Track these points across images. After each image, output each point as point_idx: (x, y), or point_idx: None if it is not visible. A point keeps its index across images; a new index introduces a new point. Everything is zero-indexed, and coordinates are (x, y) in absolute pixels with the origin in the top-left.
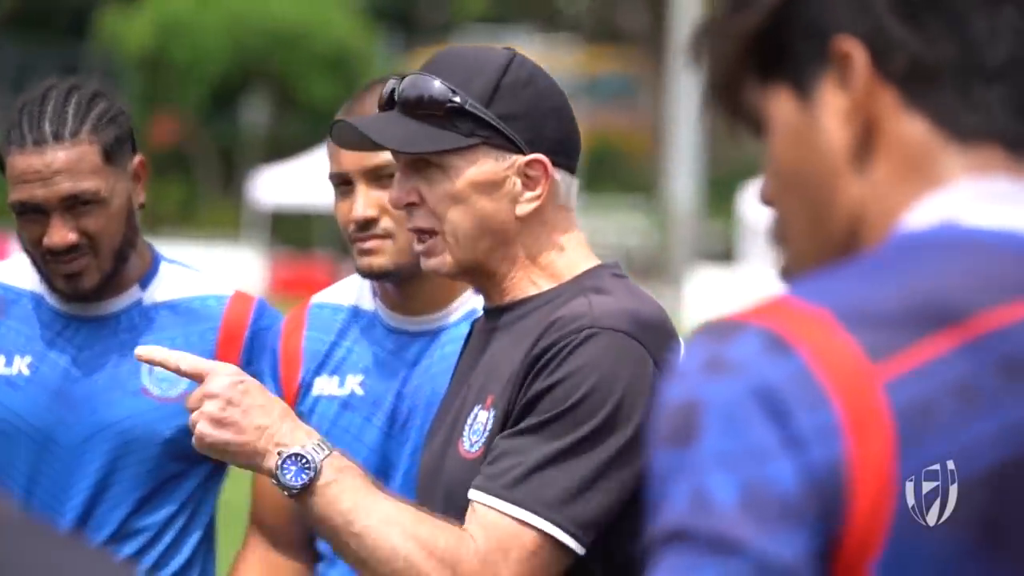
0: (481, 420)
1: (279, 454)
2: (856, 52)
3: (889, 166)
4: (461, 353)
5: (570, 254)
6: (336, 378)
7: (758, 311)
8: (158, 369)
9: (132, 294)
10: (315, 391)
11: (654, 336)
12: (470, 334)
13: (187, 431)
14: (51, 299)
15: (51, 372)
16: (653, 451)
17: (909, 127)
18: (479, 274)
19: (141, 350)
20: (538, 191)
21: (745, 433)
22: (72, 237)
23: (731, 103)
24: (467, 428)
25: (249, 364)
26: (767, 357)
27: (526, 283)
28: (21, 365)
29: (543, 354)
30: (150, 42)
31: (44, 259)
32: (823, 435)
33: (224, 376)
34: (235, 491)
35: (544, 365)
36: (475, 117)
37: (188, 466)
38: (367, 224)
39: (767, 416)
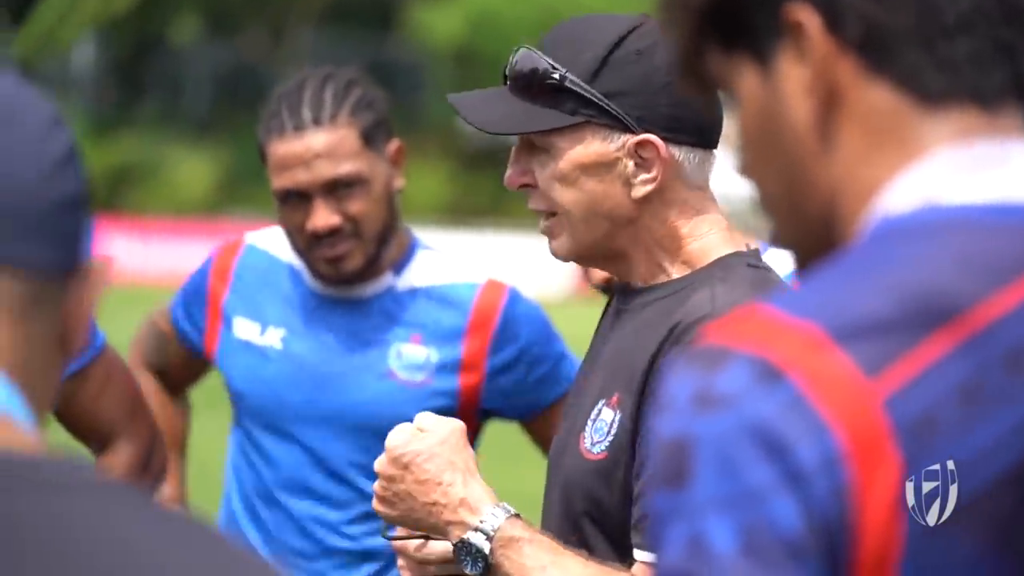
0: (605, 419)
1: (454, 545)
2: (809, 20)
3: (856, 138)
4: (597, 328)
5: (705, 238)
6: None
7: (745, 333)
8: (405, 353)
9: (386, 279)
10: None
11: None
12: (605, 310)
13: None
14: (308, 279)
15: (302, 349)
16: (647, 488)
17: (873, 95)
18: (606, 257)
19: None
20: (653, 172)
21: (741, 473)
22: (336, 220)
23: (698, 74)
24: (590, 423)
25: (498, 352)
26: (758, 388)
27: (656, 269)
28: (274, 338)
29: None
30: (461, 36)
31: (308, 244)
32: (825, 467)
33: (387, 452)
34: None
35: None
36: (577, 95)
37: None
38: None
39: (763, 452)
